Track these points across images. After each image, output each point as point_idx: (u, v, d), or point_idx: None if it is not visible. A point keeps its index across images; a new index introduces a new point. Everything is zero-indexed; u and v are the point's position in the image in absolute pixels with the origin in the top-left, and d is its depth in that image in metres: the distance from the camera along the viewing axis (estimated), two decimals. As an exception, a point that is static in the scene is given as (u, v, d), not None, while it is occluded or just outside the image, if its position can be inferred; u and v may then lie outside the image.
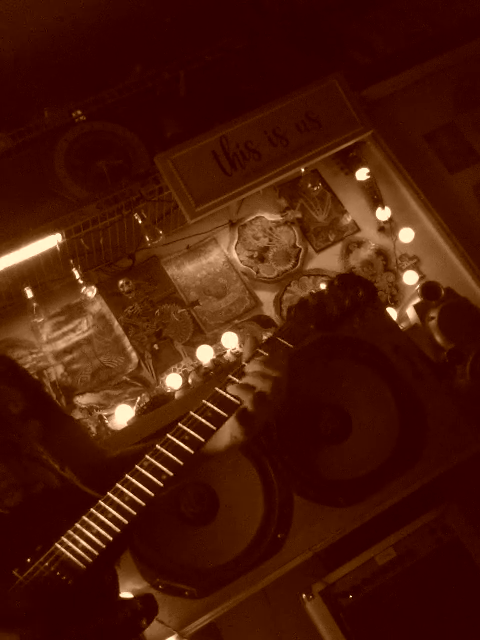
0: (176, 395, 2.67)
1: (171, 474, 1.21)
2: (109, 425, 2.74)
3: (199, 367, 2.80)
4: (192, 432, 1.23)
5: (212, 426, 1.23)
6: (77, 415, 2.80)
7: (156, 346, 2.94)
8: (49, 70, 2.92)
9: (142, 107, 3.01)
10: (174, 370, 2.88)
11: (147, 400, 2.72)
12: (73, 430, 1.52)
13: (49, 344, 2.93)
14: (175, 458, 1.22)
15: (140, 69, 3.02)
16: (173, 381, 2.76)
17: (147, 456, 1.24)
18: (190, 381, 2.74)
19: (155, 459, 1.23)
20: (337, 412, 2.32)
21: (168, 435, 1.25)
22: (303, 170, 2.94)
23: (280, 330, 1.34)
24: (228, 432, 1.26)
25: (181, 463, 1.22)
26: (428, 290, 2.87)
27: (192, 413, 1.25)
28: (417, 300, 2.89)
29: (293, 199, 3.23)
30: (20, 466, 1.32)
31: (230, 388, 1.25)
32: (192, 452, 1.22)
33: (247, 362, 1.27)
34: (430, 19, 3.37)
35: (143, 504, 1.21)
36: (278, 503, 2.18)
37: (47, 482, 1.33)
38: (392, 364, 2.38)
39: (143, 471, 1.23)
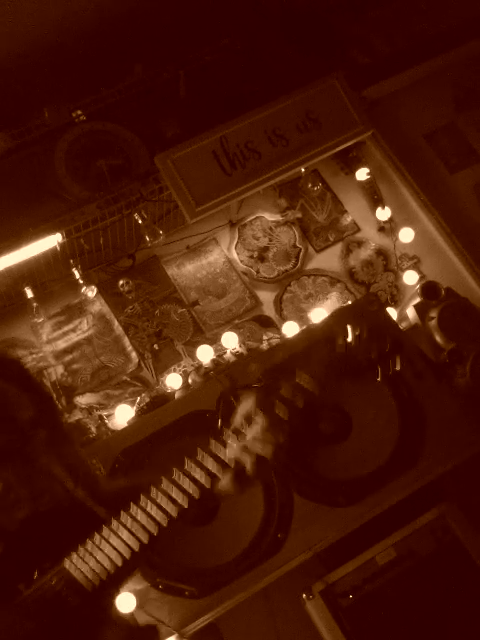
0: (176, 395, 2.67)
1: (186, 506, 1.22)
2: (109, 425, 2.74)
3: (199, 367, 2.80)
4: (198, 476, 1.24)
5: (207, 485, 1.24)
6: (77, 415, 2.79)
7: (156, 346, 2.94)
8: (49, 70, 2.91)
9: (142, 107, 3.01)
10: (174, 370, 2.88)
11: (147, 400, 2.72)
12: (75, 446, 1.52)
13: (49, 344, 2.93)
14: (190, 491, 1.23)
15: (140, 69, 3.02)
16: (173, 381, 2.76)
17: (163, 483, 1.23)
18: (190, 381, 2.73)
19: (171, 489, 1.23)
20: (337, 412, 2.32)
21: (177, 469, 1.25)
22: (303, 170, 2.94)
23: (305, 376, 1.32)
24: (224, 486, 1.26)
25: (196, 497, 1.23)
26: (428, 290, 2.87)
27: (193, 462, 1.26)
28: (417, 300, 2.89)
29: (293, 199, 3.23)
30: (25, 474, 1.31)
31: (229, 450, 1.25)
32: (197, 497, 1.24)
33: (244, 422, 1.26)
34: (430, 19, 3.37)
35: (155, 532, 1.20)
36: (278, 503, 2.18)
37: (53, 494, 1.31)
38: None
39: (158, 499, 1.22)
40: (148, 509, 1.21)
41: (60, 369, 2.90)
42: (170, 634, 2.05)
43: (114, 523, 1.21)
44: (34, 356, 2.90)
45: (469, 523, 2.26)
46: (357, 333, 1.35)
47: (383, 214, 3.15)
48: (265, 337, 2.90)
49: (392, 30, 3.33)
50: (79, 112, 2.93)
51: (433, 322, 2.77)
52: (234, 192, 2.75)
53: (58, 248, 2.63)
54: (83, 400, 2.83)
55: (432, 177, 3.27)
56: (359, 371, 1.35)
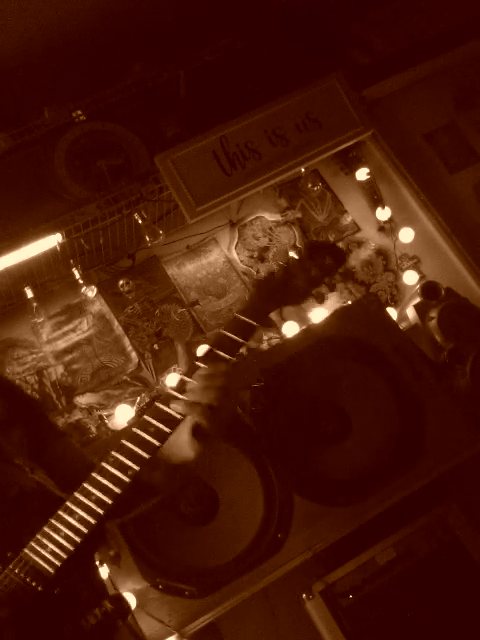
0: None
1: (137, 468, 1.21)
2: (109, 425, 2.74)
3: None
4: (148, 436, 1.23)
5: (156, 442, 1.23)
6: (77, 415, 2.80)
7: (156, 346, 2.94)
8: (49, 70, 2.91)
9: (142, 107, 3.01)
10: (174, 370, 2.88)
11: (147, 400, 2.73)
12: (59, 440, 1.52)
13: (49, 344, 2.93)
14: (141, 452, 1.22)
15: (140, 69, 3.02)
16: (173, 381, 2.75)
17: (111, 452, 1.23)
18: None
19: (120, 455, 1.22)
20: (337, 412, 2.32)
21: (128, 436, 1.24)
22: (303, 170, 2.93)
23: (243, 310, 1.31)
24: (187, 447, 1.25)
25: (147, 456, 1.22)
26: (428, 290, 2.87)
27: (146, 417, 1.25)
28: (417, 300, 2.89)
29: (293, 199, 3.23)
30: None
31: (173, 405, 1.24)
32: (158, 444, 1.22)
33: (187, 376, 1.26)
34: (430, 19, 3.37)
35: (110, 502, 1.20)
36: (278, 503, 2.18)
37: (22, 486, 1.32)
38: (392, 364, 2.38)
39: (108, 467, 1.22)
40: (101, 481, 1.21)
41: (60, 369, 2.90)
42: (170, 634, 2.05)
43: (68, 502, 1.21)
44: (34, 356, 2.90)
45: (469, 523, 2.26)
46: (295, 253, 1.34)
47: (383, 214, 3.16)
48: (265, 337, 2.91)
49: (392, 30, 3.33)
50: (79, 112, 2.92)
51: (433, 322, 2.77)
52: (234, 192, 2.75)
53: (58, 248, 2.63)
54: (83, 400, 2.83)
55: (432, 177, 3.27)
56: (301, 295, 1.33)
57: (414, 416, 2.31)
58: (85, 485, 1.22)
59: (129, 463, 1.21)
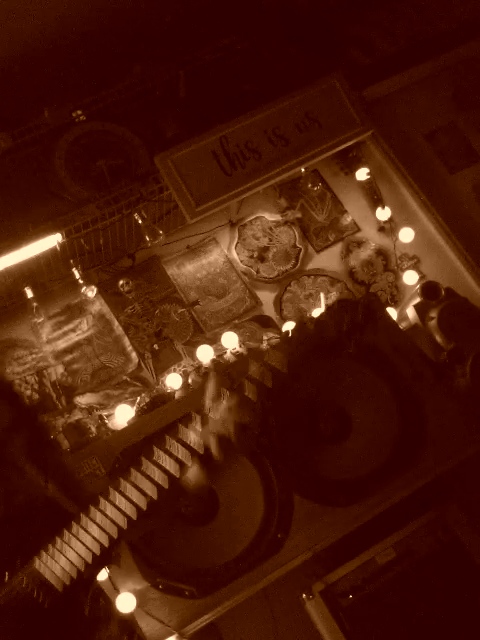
0: (176, 395, 2.67)
1: (156, 496, 1.20)
2: (109, 425, 2.74)
3: (199, 367, 2.80)
4: (167, 465, 1.22)
5: (176, 474, 1.23)
6: (77, 415, 2.80)
7: (156, 346, 2.94)
8: (49, 70, 2.91)
9: (142, 107, 3.01)
10: (174, 370, 2.88)
11: (147, 400, 2.72)
12: (56, 450, 1.52)
13: (49, 344, 2.93)
14: (161, 482, 1.21)
15: (140, 69, 3.02)
16: (173, 381, 2.76)
17: (130, 477, 1.22)
18: (190, 381, 2.74)
19: (138, 481, 1.22)
20: (337, 412, 2.32)
21: (146, 459, 1.23)
22: (303, 170, 2.93)
23: (277, 347, 1.32)
24: (194, 474, 1.25)
25: (165, 486, 1.21)
26: (428, 290, 2.86)
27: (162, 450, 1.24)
28: (417, 300, 2.89)
29: (293, 199, 3.23)
30: (1, 475, 1.31)
31: (192, 435, 1.24)
32: (167, 487, 1.22)
33: (212, 404, 1.25)
34: (430, 19, 3.37)
35: (124, 526, 1.19)
36: (278, 503, 2.18)
37: (28, 494, 1.32)
38: (392, 364, 2.38)
39: (126, 491, 1.21)
40: (117, 503, 1.20)
41: (60, 369, 2.90)
42: (170, 634, 2.05)
43: (83, 519, 1.20)
44: (34, 356, 2.90)
45: (469, 523, 2.26)
46: (328, 306, 1.34)
47: (383, 214, 3.16)
48: (265, 337, 2.91)
49: (392, 30, 3.34)
50: (79, 112, 2.93)
51: (433, 322, 2.77)
52: (234, 192, 2.75)
53: (58, 248, 2.63)
54: (83, 400, 2.83)
55: (432, 177, 3.27)
56: (332, 346, 1.33)
57: (414, 416, 2.31)
58: (102, 504, 1.21)
59: (148, 489, 1.21)
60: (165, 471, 1.22)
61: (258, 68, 3.10)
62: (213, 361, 2.79)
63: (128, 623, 1.31)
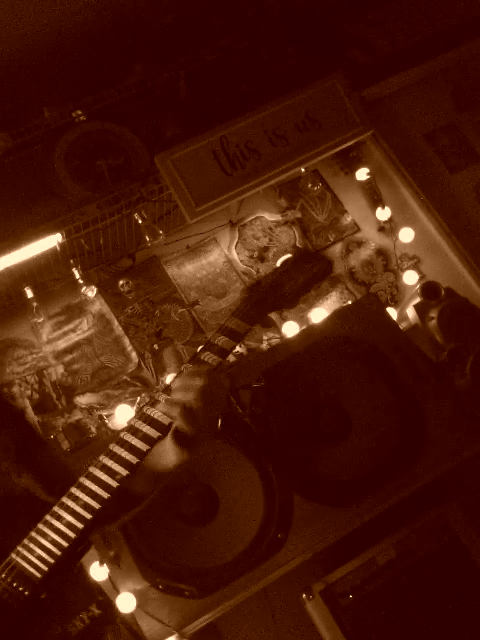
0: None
1: (125, 473, 1.20)
2: (109, 425, 2.74)
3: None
4: (134, 442, 1.23)
5: (144, 447, 1.22)
6: (77, 415, 2.80)
7: (156, 346, 2.94)
8: (49, 70, 2.91)
9: (142, 107, 3.01)
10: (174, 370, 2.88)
11: (147, 400, 2.72)
12: (42, 447, 1.52)
13: (49, 344, 2.93)
14: (129, 457, 1.21)
15: (140, 69, 3.02)
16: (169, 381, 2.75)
17: (99, 457, 1.23)
18: (190, 381, 2.73)
19: (108, 459, 1.22)
20: (337, 412, 2.32)
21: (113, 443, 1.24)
22: (303, 170, 2.94)
23: (234, 312, 1.31)
24: (170, 453, 1.23)
25: (135, 461, 1.21)
26: (428, 290, 2.86)
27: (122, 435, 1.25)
28: (417, 300, 2.89)
29: (293, 199, 3.23)
30: None
31: (159, 406, 1.23)
32: (146, 448, 1.22)
33: (176, 378, 1.25)
34: (430, 19, 3.37)
35: (97, 506, 1.19)
36: (278, 503, 2.18)
37: (7, 490, 1.32)
38: (392, 364, 2.38)
39: (96, 472, 1.21)
40: (89, 486, 1.20)
41: (60, 369, 2.90)
42: (170, 634, 2.05)
43: (56, 507, 1.20)
44: (34, 356, 2.90)
45: (469, 523, 2.26)
46: (282, 262, 1.36)
47: (383, 214, 3.16)
48: (265, 337, 2.91)
49: (392, 30, 3.33)
50: (79, 112, 2.92)
51: (433, 322, 2.77)
52: (234, 192, 2.75)
53: (58, 248, 2.63)
54: (83, 400, 2.83)
55: (432, 177, 3.27)
56: (290, 301, 1.34)
57: (414, 416, 2.31)
58: (73, 490, 1.21)
59: (117, 468, 1.20)
60: (132, 448, 1.22)
61: (258, 68, 3.09)
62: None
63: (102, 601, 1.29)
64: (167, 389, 1.25)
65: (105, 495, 1.19)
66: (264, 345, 2.85)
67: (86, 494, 1.20)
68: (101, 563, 2.12)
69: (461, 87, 3.41)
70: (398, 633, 2.15)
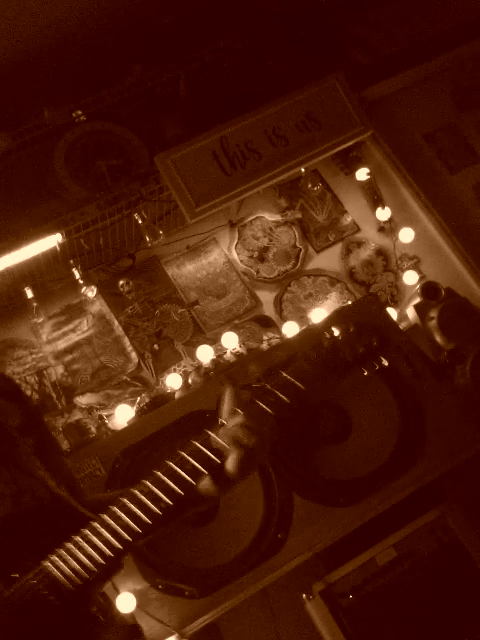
0: (176, 395, 2.67)
1: (171, 503, 1.20)
2: (109, 425, 2.74)
3: (199, 367, 2.80)
4: (182, 475, 1.22)
5: (192, 481, 1.22)
6: (77, 415, 2.80)
7: (156, 346, 2.94)
8: (49, 70, 2.92)
9: (142, 107, 3.01)
10: (174, 370, 2.88)
11: (147, 400, 2.72)
12: (61, 455, 1.53)
13: (49, 344, 2.93)
14: (177, 488, 1.21)
15: (140, 69, 3.02)
16: (173, 381, 2.76)
17: (146, 481, 1.22)
18: (190, 381, 2.73)
19: (155, 487, 1.22)
20: (337, 412, 2.32)
21: (158, 473, 1.23)
22: (303, 170, 2.94)
23: (292, 370, 1.30)
24: (201, 486, 1.24)
25: (182, 493, 1.21)
26: (428, 290, 2.87)
27: (180, 457, 1.24)
28: (417, 300, 2.89)
29: (293, 199, 3.23)
30: (9, 475, 1.32)
31: (212, 441, 1.23)
32: (193, 483, 1.22)
33: (228, 418, 1.25)
34: (430, 19, 3.37)
35: (139, 530, 1.19)
36: (278, 503, 2.18)
37: (35, 494, 1.32)
38: (392, 364, 2.37)
39: (141, 497, 1.21)
40: (132, 508, 1.21)
41: (60, 369, 2.90)
42: (170, 634, 2.05)
43: (96, 523, 1.21)
44: (34, 356, 2.90)
45: (469, 523, 2.26)
46: (344, 328, 1.34)
47: (383, 214, 3.16)
48: (265, 337, 2.90)
49: (392, 30, 3.34)
50: (79, 112, 2.93)
51: (433, 322, 2.77)
52: (234, 192, 2.75)
53: (58, 248, 2.64)
54: (83, 400, 2.83)
55: (432, 177, 3.27)
56: (347, 367, 1.33)
57: (414, 416, 2.31)
58: (115, 508, 1.21)
59: (163, 496, 1.21)
60: (179, 480, 1.22)
61: (258, 68, 3.10)
62: (213, 361, 2.79)
63: (134, 629, 1.31)
64: (221, 426, 1.25)
65: (148, 521, 1.20)
66: (264, 345, 2.85)
67: (128, 516, 1.20)
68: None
69: (461, 87, 3.41)
70: (398, 633, 2.15)
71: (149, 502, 1.20)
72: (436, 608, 2.17)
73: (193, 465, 1.22)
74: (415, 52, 3.30)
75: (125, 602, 2.05)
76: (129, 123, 2.97)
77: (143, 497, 1.21)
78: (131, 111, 3.00)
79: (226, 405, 1.27)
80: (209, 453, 1.22)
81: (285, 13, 3.19)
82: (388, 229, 3.17)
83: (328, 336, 1.33)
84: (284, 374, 1.29)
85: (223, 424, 1.24)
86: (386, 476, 2.23)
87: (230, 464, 1.21)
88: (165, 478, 1.22)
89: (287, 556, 2.14)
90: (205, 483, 1.23)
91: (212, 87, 3.05)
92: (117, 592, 2.07)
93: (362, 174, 3.18)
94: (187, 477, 1.22)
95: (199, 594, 2.09)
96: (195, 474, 1.22)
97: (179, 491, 1.21)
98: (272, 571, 2.13)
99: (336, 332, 1.34)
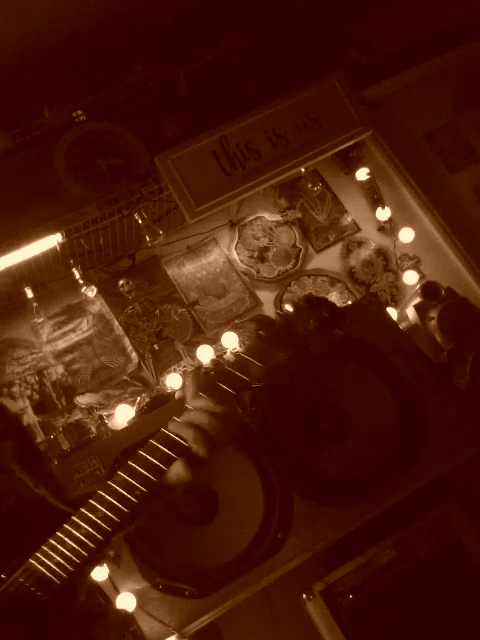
0: (176, 395, 2.67)
1: (145, 490, 1.23)
2: (109, 425, 2.74)
3: (199, 367, 2.80)
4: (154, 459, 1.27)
5: (163, 466, 1.26)
6: (77, 415, 2.80)
7: (156, 346, 2.94)
8: (49, 70, 2.91)
9: (142, 107, 3.01)
10: (174, 370, 2.88)
11: (147, 400, 2.72)
12: (44, 459, 1.56)
13: (49, 344, 2.93)
14: (149, 475, 1.25)
15: (140, 69, 3.02)
16: (173, 381, 2.76)
17: (120, 472, 1.26)
18: (190, 381, 2.73)
19: (128, 476, 1.25)
20: (337, 412, 2.32)
21: (130, 462, 1.28)
22: (303, 170, 2.94)
23: (247, 349, 1.36)
24: (176, 472, 1.27)
25: (155, 479, 1.24)
26: (428, 290, 2.86)
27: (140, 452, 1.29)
28: (417, 300, 2.89)
29: (293, 199, 3.23)
30: None
31: (171, 426, 1.28)
32: (164, 468, 1.26)
33: (191, 402, 1.29)
34: (430, 19, 3.37)
35: (117, 519, 1.22)
36: (278, 503, 2.18)
37: (18, 496, 1.34)
38: (392, 364, 2.38)
39: (116, 488, 1.24)
40: (108, 498, 1.23)
41: (60, 369, 2.90)
42: (170, 634, 2.05)
43: (75, 517, 1.23)
44: (34, 356, 2.90)
45: (469, 523, 2.26)
46: (295, 304, 1.40)
47: (383, 214, 3.16)
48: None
49: (392, 30, 3.33)
50: (79, 112, 2.93)
51: (433, 322, 2.77)
52: (234, 192, 2.75)
53: (58, 248, 2.64)
54: (83, 400, 2.83)
55: (432, 177, 3.27)
56: (302, 341, 1.38)
57: (414, 416, 2.31)
58: (92, 501, 1.24)
59: (137, 484, 1.24)
60: (152, 466, 1.26)
61: (258, 68, 3.09)
62: (213, 361, 2.79)
63: (126, 618, 1.33)
64: (184, 411, 1.29)
65: (125, 509, 1.23)
66: (264, 345, 2.85)
67: (105, 507, 1.23)
68: (101, 563, 2.12)
69: (461, 87, 3.41)
70: (398, 633, 2.15)
71: (125, 491, 1.24)
72: (436, 608, 2.17)
73: (163, 451, 1.27)
74: (415, 52, 3.30)
75: (125, 602, 2.05)
76: (129, 123, 2.97)
77: (118, 487, 1.24)
78: (131, 111, 2.99)
79: (189, 390, 1.32)
80: (177, 438, 1.27)
81: (285, 13, 3.19)
82: (388, 229, 3.17)
83: (281, 313, 1.40)
84: (241, 354, 1.35)
85: (188, 408, 1.29)
86: (386, 476, 2.23)
87: (195, 447, 1.25)
88: (137, 466, 1.27)
89: (287, 556, 2.14)
90: (176, 466, 1.26)
91: (212, 87, 3.04)
92: (117, 592, 2.07)
93: (362, 174, 3.18)
94: (158, 463, 1.26)
95: (199, 594, 2.09)
96: (166, 460, 1.26)
97: (152, 478, 1.25)
98: (272, 571, 2.13)
99: (290, 309, 1.41)
